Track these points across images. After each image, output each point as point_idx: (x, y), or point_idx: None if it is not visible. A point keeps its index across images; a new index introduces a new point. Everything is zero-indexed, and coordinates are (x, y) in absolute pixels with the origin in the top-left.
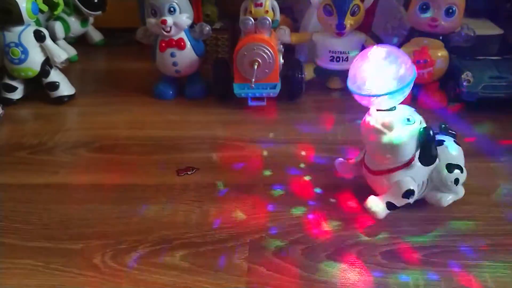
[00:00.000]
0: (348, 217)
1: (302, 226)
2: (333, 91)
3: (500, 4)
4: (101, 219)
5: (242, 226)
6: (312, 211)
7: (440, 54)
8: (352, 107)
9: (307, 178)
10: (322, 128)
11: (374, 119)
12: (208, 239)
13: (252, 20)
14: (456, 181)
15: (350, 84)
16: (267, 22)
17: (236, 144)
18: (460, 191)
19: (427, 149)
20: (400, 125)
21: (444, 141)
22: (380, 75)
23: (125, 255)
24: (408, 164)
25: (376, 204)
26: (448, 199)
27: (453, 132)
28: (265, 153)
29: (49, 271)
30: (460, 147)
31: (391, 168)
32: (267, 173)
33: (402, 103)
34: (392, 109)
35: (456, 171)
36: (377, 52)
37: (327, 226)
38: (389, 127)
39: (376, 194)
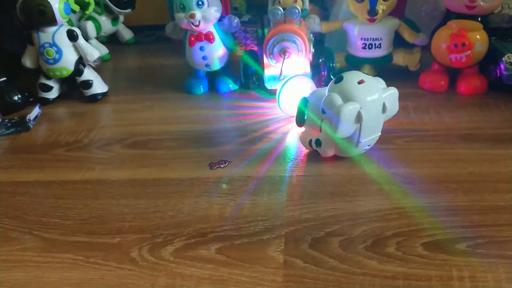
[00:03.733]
0: (386, 208)
1: (339, 217)
2: None
3: None
4: (137, 214)
5: (277, 218)
6: (348, 202)
7: (479, 37)
8: None
9: (341, 168)
10: None
11: None
12: (243, 232)
13: (281, 10)
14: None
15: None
16: (297, 11)
17: (268, 136)
18: None
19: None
20: None
21: None
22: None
23: (161, 248)
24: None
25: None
26: None
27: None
28: (300, 145)
29: (88, 264)
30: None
31: None
32: (301, 164)
33: None
34: None
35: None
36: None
37: (365, 216)
38: None
39: None
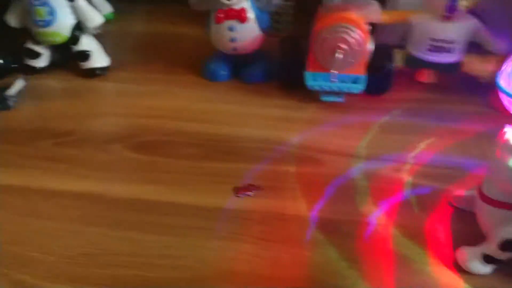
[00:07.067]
0: None
1: None
2: (424, 86)
3: None
4: (139, 255)
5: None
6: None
7: None
8: (453, 111)
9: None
10: (419, 140)
11: None
12: None
13: None
14: None
15: (504, 83)
16: None
17: (311, 155)
18: None
19: None
20: None
21: None
22: None
23: None
24: None
25: (468, 255)
26: None
27: None
28: (352, 173)
29: None
30: None
31: (508, 203)
32: (363, 206)
33: None
34: None
35: None
36: None
37: None
38: None
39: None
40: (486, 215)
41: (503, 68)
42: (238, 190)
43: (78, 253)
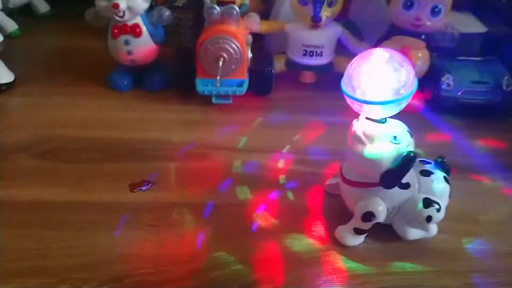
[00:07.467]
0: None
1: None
2: (305, 86)
3: None
4: (41, 249)
5: (204, 261)
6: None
7: (421, 55)
8: (326, 106)
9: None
10: (296, 132)
11: (359, 126)
12: (165, 277)
13: (218, 8)
14: (429, 218)
15: (344, 85)
16: (235, 12)
17: (200, 151)
18: (432, 229)
19: (394, 173)
20: (384, 141)
21: (433, 173)
22: (378, 81)
23: None
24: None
25: (343, 233)
26: (414, 234)
27: (447, 168)
28: (234, 164)
29: None
30: (448, 185)
31: (363, 182)
32: (240, 192)
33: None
34: (381, 121)
35: (432, 208)
36: (380, 56)
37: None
38: (371, 139)
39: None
40: (347, 194)
41: (346, 70)
42: (133, 186)
43: None
